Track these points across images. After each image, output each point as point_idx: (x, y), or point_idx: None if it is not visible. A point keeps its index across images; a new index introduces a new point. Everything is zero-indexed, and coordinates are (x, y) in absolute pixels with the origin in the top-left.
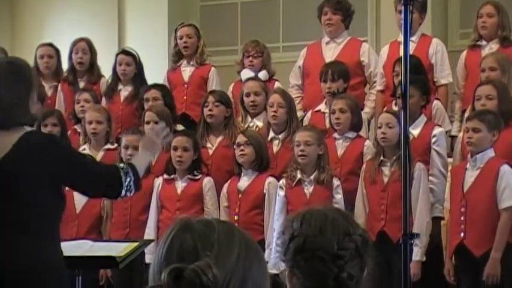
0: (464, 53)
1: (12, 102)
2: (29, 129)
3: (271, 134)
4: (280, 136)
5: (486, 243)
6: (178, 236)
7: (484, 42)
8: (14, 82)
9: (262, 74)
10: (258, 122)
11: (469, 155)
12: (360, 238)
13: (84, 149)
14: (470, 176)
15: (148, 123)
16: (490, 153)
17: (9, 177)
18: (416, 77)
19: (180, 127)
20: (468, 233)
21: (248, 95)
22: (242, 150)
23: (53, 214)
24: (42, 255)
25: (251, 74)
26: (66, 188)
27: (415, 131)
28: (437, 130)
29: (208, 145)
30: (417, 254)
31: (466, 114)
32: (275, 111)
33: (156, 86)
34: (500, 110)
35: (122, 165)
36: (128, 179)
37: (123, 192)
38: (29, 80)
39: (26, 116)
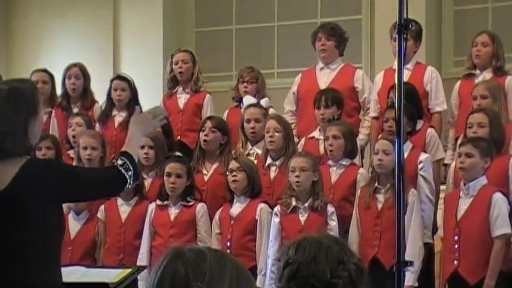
0: (459, 82)
1: (4, 132)
2: (26, 158)
3: (269, 161)
4: (277, 162)
5: (480, 271)
6: (170, 265)
7: (477, 72)
8: (10, 110)
9: (264, 101)
10: (258, 150)
11: (461, 183)
12: (353, 267)
13: None
14: (464, 204)
15: (142, 147)
16: (483, 180)
17: (14, 204)
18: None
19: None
20: (462, 261)
21: (249, 121)
22: (234, 176)
23: (55, 235)
24: (42, 280)
25: (253, 100)
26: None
27: None
28: (423, 156)
29: (204, 171)
30: (409, 279)
31: (459, 142)
32: (271, 137)
33: None
34: (492, 138)
35: (119, 161)
36: (130, 173)
37: (129, 183)
38: (31, 107)
39: (18, 148)
